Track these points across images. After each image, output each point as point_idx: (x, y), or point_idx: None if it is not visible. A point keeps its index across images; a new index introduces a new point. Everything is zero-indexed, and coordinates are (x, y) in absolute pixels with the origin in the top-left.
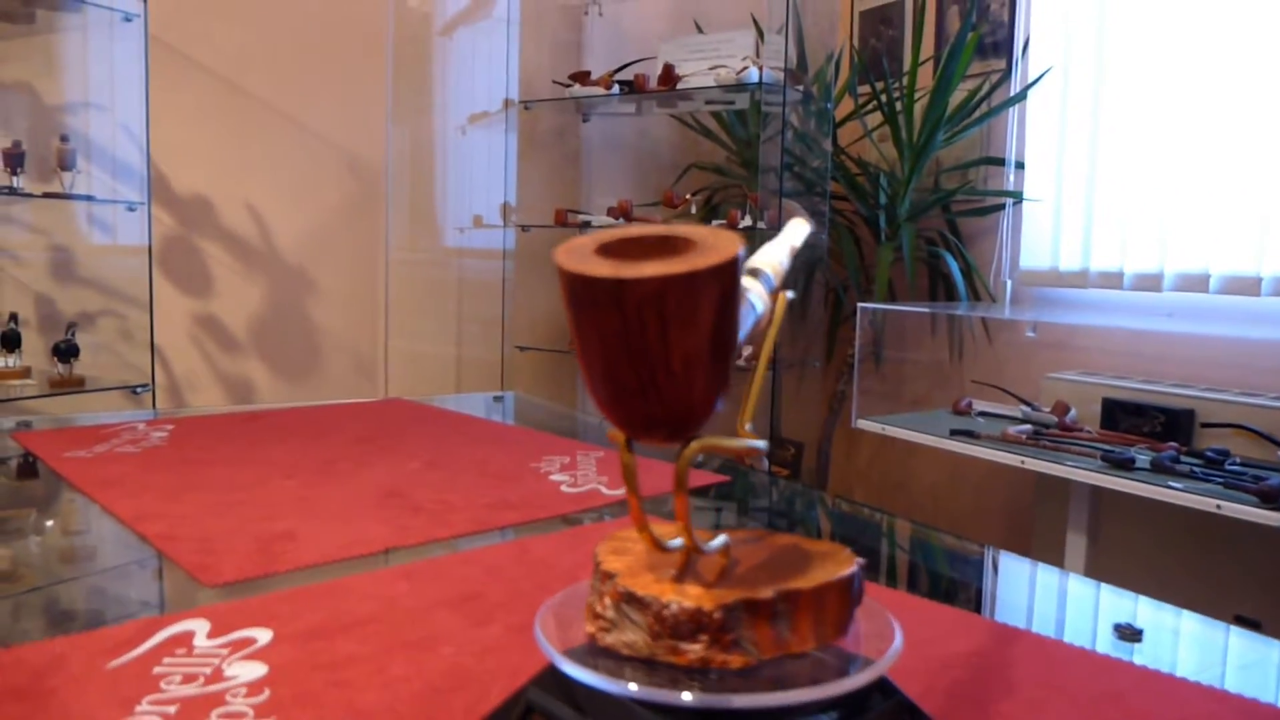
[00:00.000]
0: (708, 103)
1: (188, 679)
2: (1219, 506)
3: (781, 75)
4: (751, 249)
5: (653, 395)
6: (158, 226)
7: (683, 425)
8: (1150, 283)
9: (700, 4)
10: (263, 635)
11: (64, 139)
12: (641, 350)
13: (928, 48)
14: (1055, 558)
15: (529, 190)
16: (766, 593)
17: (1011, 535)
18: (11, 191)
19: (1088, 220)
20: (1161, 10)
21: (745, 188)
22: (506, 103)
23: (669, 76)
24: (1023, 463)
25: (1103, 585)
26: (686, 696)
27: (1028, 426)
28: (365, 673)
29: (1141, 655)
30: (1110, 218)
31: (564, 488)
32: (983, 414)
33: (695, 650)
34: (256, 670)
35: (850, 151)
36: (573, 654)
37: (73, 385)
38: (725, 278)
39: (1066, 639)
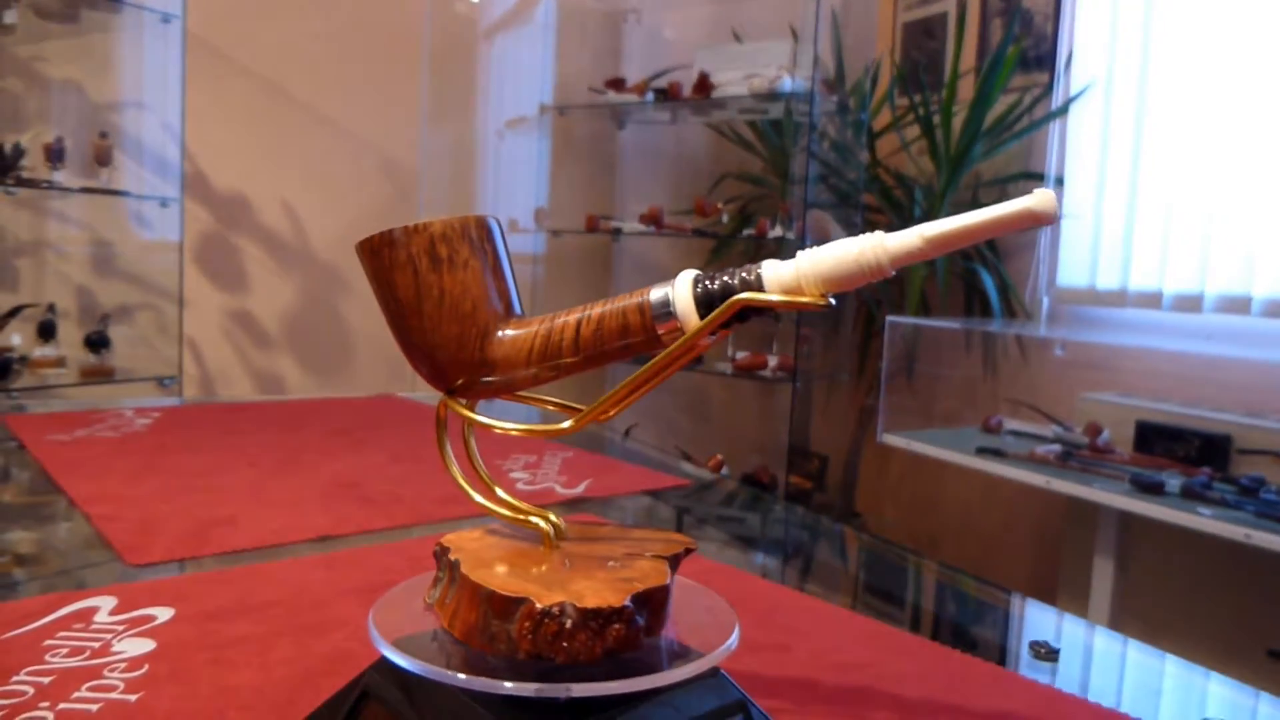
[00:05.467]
0: (741, 112)
1: (74, 652)
2: (1248, 536)
3: (816, 85)
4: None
5: None
6: (195, 223)
7: (425, 374)
8: (1190, 304)
9: (740, 14)
10: (164, 614)
11: (103, 135)
12: None
13: (969, 60)
14: (1082, 582)
15: (563, 195)
16: (443, 552)
17: (1040, 558)
18: (50, 185)
19: (1127, 238)
20: (1207, 25)
21: (778, 197)
22: (542, 108)
23: (704, 85)
24: (1048, 483)
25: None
26: (508, 685)
27: (1056, 447)
28: (248, 653)
29: (1058, 676)
30: (1150, 236)
31: (520, 485)
32: (1013, 433)
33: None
34: (144, 646)
35: (888, 164)
36: (407, 641)
37: (103, 375)
38: (372, 255)
39: (992, 661)
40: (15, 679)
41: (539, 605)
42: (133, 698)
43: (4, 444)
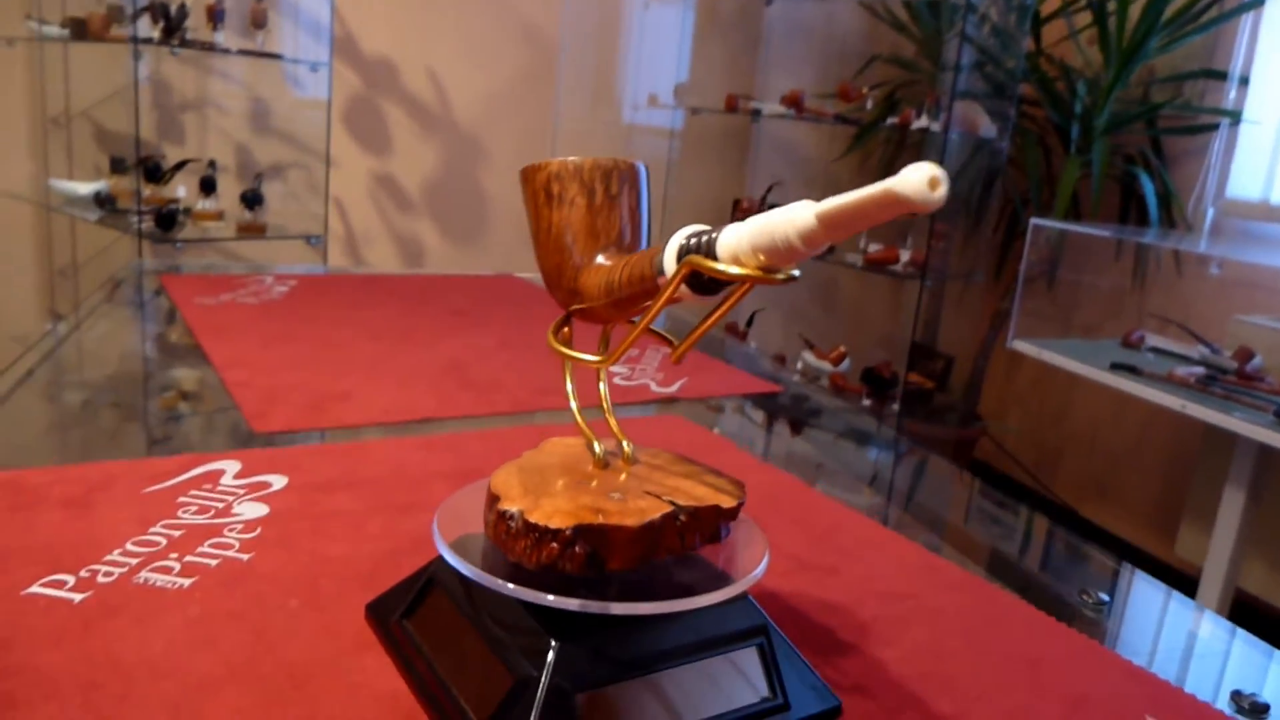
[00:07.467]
0: None
1: (201, 510)
2: None
3: None
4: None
5: None
6: (344, 86)
7: (552, 290)
8: None
9: None
10: (278, 481)
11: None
12: None
13: None
14: (1209, 513)
15: (704, 72)
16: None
17: (1168, 482)
18: (211, 47)
19: None
20: None
21: (928, 84)
22: None
23: None
24: (1184, 406)
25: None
26: (550, 598)
27: (1199, 369)
28: (344, 526)
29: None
30: None
31: (617, 379)
32: (1155, 350)
33: None
34: (259, 511)
35: (1052, 53)
36: (467, 540)
37: (255, 232)
38: (522, 185)
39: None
40: (153, 529)
41: (501, 506)
42: (245, 557)
43: (159, 304)
